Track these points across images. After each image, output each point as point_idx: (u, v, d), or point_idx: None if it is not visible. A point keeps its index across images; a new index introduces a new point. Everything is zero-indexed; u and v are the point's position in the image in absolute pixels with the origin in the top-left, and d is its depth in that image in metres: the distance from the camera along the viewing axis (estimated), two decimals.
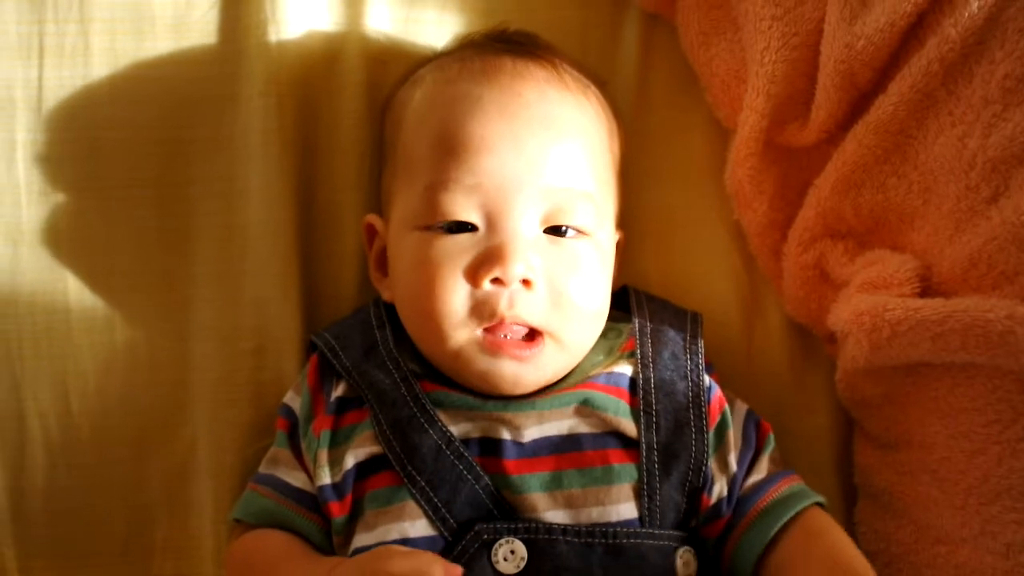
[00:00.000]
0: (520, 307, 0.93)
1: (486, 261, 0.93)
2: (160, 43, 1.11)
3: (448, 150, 0.96)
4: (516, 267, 0.92)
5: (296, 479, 0.99)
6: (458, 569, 0.82)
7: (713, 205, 1.12)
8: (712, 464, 0.96)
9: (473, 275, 0.94)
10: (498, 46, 1.03)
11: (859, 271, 1.02)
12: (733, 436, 0.99)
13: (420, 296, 0.95)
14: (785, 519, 0.95)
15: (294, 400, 1.03)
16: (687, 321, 1.04)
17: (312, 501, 0.96)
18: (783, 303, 1.10)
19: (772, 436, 1.02)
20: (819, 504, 0.98)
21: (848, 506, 1.08)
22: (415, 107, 1.02)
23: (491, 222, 0.95)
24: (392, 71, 1.10)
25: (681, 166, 1.14)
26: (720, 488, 0.96)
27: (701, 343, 1.02)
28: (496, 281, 0.93)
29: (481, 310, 0.93)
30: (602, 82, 1.08)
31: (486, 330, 0.94)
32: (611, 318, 1.04)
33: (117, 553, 1.11)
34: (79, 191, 1.11)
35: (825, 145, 1.06)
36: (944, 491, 0.97)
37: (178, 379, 1.12)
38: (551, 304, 0.94)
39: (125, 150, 1.11)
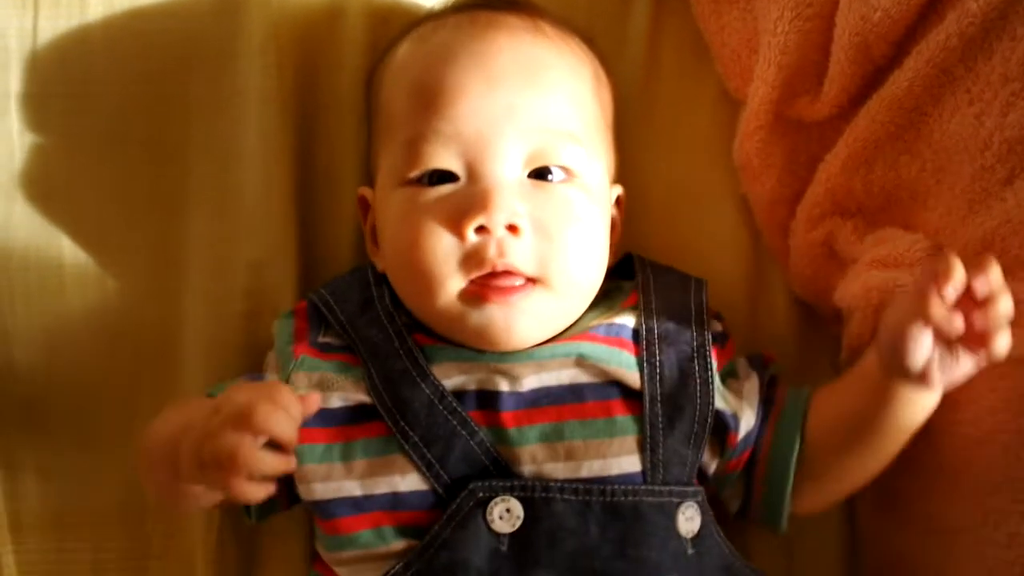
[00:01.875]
0: (510, 254, 0.90)
1: (469, 209, 0.90)
2: None
3: (424, 102, 0.94)
4: (500, 212, 0.90)
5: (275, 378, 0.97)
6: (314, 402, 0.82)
7: (721, 179, 1.10)
8: (729, 401, 0.95)
9: (457, 225, 0.91)
10: (478, 3, 1.01)
11: (868, 249, 1.00)
12: (742, 370, 0.98)
13: (406, 251, 0.93)
14: (804, 400, 0.96)
15: (277, 326, 1.01)
16: (692, 282, 1.02)
17: None
18: (789, 281, 1.08)
19: (775, 363, 1.01)
20: None
21: (851, 498, 1.05)
22: (393, 68, 1.01)
23: (472, 170, 0.93)
24: (394, 30, 1.07)
25: (690, 138, 1.12)
26: (747, 421, 0.95)
27: (706, 295, 1.00)
28: (482, 230, 0.91)
29: (469, 260, 0.91)
30: (589, 38, 1.04)
31: (474, 280, 0.91)
32: (614, 279, 1.02)
33: (111, 512, 1.10)
34: (73, 145, 1.10)
35: (837, 120, 1.03)
36: (947, 481, 0.95)
37: (170, 341, 1.10)
38: (541, 250, 0.92)
39: (118, 105, 1.09)
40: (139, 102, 1.10)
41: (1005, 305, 0.81)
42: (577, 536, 0.86)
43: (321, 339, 0.97)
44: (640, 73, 1.12)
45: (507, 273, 0.91)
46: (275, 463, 0.79)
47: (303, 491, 0.91)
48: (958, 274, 0.80)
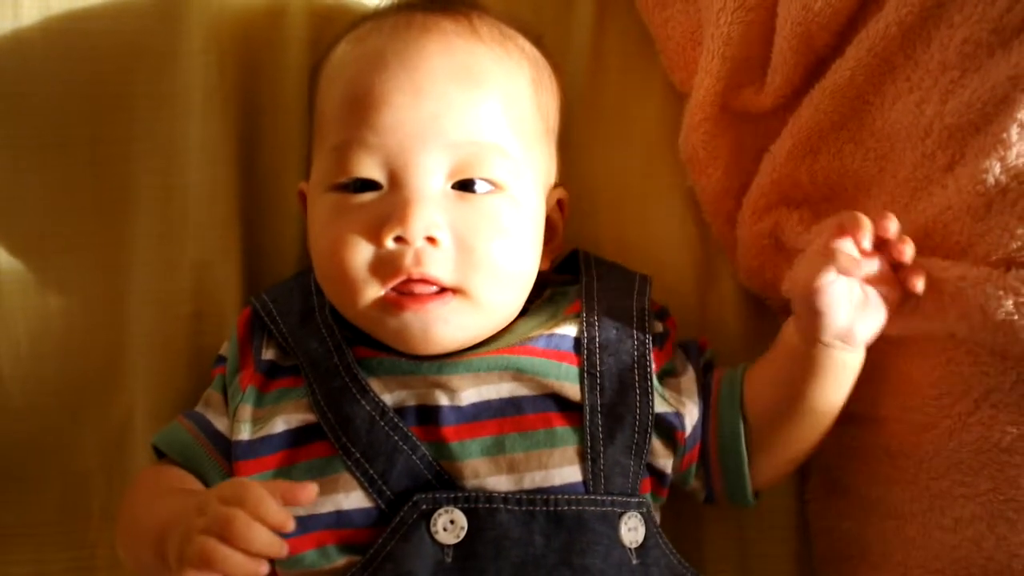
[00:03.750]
0: (427, 264, 0.90)
1: (388, 219, 0.90)
2: None
3: (351, 108, 0.93)
4: (417, 224, 0.89)
5: (221, 424, 0.96)
6: (311, 492, 0.79)
7: (667, 172, 1.10)
8: (669, 400, 0.95)
9: (375, 234, 0.91)
10: (417, 4, 1.00)
11: (813, 240, 0.99)
12: (680, 365, 0.98)
13: (327, 256, 0.93)
14: (739, 382, 0.98)
15: (227, 349, 1.00)
16: (636, 281, 1.01)
17: (228, 448, 0.94)
18: (736, 272, 1.08)
19: (711, 349, 1.02)
20: None
21: (800, 481, 1.07)
22: (328, 70, 1.00)
23: (394, 179, 0.92)
24: (337, 28, 1.06)
25: (636, 132, 1.12)
26: (691, 415, 0.95)
27: (648, 300, 1.00)
28: (400, 240, 0.90)
29: (385, 268, 0.91)
30: (536, 36, 1.04)
31: (393, 288, 0.91)
32: (559, 282, 1.02)
33: (53, 521, 1.08)
34: (11, 147, 1.08)
35: (781, 111, 1.03)
36: (894, 466, 0.96)
37: (115, 344, 1.08)
38: (462, 261, 0.91)
39: (58, 106, 1.08)
40: (79, 103, 1.08)
41: (911, 248, 0.87)
42: (522, 546, 0.86)
43: (264, 355, 0.96)
44: (585, 67, 1.12)
45: (423, 281, 0.91)
46: (249, 569, 0.76)
47: None
48: (865, 223, 0.86)
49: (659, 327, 0.99)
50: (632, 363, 0.95)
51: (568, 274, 1.05)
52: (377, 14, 1.03)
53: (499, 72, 0.96)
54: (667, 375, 0.98)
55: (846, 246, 0.86)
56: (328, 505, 0.88)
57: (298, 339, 0.96)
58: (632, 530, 0.90)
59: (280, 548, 0.77)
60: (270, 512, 0.77)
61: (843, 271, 0.86)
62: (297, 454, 0.91)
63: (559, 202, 1.04)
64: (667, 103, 1.11)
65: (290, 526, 0.77)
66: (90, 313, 1.08)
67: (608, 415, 0.92)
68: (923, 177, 0.93)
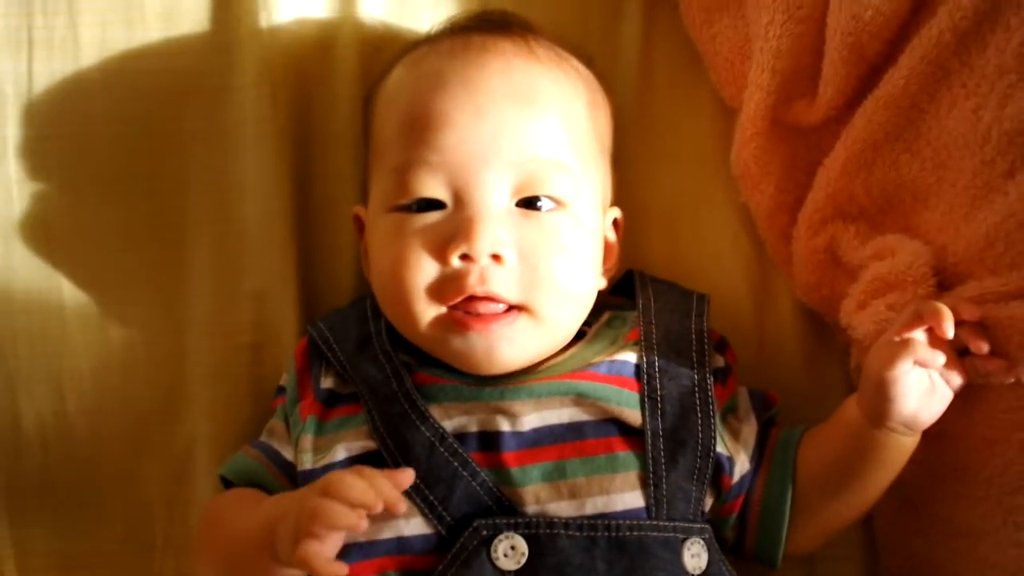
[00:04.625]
0: (492, 282, 0.90)
1: (453, 237, 0.90)
2: (151, 34, 1.09)
3: (413, 129, 0.94)
4: (483, 241, 0.89)
5: (287, 452, 0.97)
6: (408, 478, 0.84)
7: (720, 188, 1.09)
8: (727, 443, 0.94)
9: (441, 252, 0.91)
10: (472, 26, 1.01)
11: (870, 260, 0.98)
12: (742, 411, 0.97)
13: (389, 275, 0.93)
14: (794, 446, 0.96)
15: (287, 380, 1.01)
16: (693, 302, 1.01)
17: (294, 475, 0.94)
18: (794, 288, 1.06)
19: (778, 406, 1.01)
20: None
21: None
22: (386, 92, 1.01)
23: (459, 198, 0.92)
24: (386, 57, 1.07)
25: (686, 148, 1.11)
26: (741, 464, 0.94)
27: (707, 321, 0.99)
28: (465, 258, 0.90)
29: (449, 287, 0.91)
30: (588, 57, 1.04)
31: (455, 307, 0.91)
32: (616, 306, 1.02)
33: (116, 552, 1.09)
34: (71, 186, 1.10)
35: (834, 123, 1.02)
36: (964, 482, 0.94)
37: (175, 375, 1.10)
38: (526, 279, 0.91)
39: (116, 144, 1.10)
40: (136, 140, 1.10)
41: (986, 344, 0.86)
42: (584, 572, 0.85)
43: (324, 384, 0.97)
44: (634, 86, 1.11)
45: (488, 299, 0.91)
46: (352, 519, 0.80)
47: None
48: (946, 314, 0.84)
49: (720, 361, 0.98)
50: (693, 387, 0.94)
51: (623, 296, 1.04)
52: (431, 38, 1.03)
53: (556, 92, 0.97)
54: (729, 413, 0.97)
55: (924, 337, 0.86)
56: (388, 532, 0.88)
57: (356, 366, 0.96)
58: (695, 556, 0.88)
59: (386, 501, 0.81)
60: (383, 488, 0.81)
61: (921, 363, 0.86)
62: None
63: (615, 222, 1.04)
64: (718, 119, 1.10)
65: (401, 507, 0.82)
66: (150, 346, 1.10)
67: (670, 439, 0.91)
68: (983, 184, 0.91)
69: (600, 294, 1.00)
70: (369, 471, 0.83)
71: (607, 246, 1.02)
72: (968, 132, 0.92)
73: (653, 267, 1.07)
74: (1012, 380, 0.87)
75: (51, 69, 1.09)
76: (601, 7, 1.13)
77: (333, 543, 0.81)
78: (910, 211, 0.98)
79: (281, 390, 1.01)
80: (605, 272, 1.02)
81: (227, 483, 0.99)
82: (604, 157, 1.02)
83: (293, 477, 0.95)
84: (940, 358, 0.85)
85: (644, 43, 1.12)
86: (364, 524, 0.80)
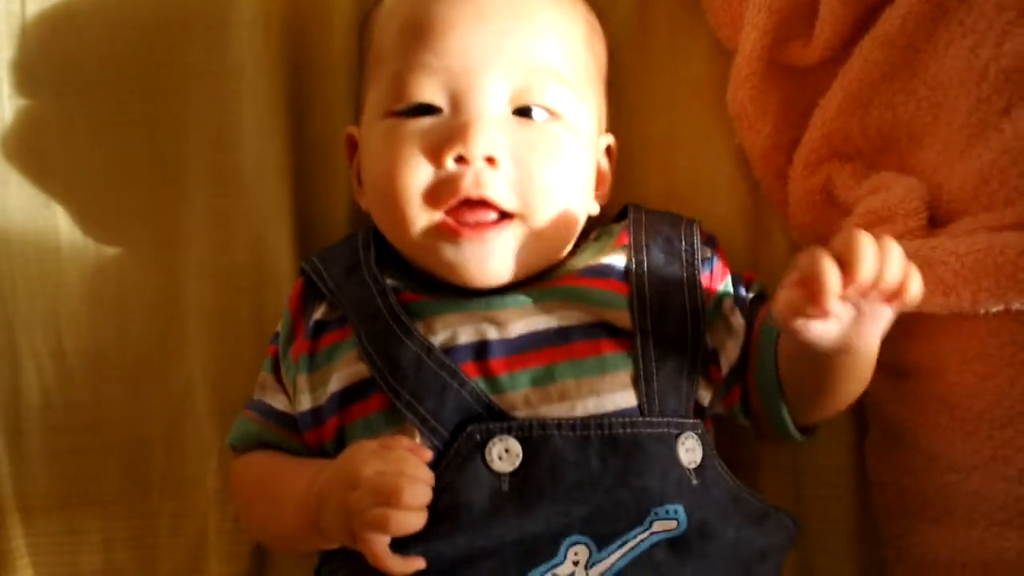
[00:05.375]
0: (487, 186, 0.91)
1: (449, 138, 0.91)
2: None
3: (413, 36, 0.94)
4: (479, 143, 0.90)
5: (278, 402, 0.98)
6: (427, 454, 0.85)
7: (716, 130, 1.08)
8: (715, 335, 0.94)
9: (435, 153, 0.91)
10: None
11: (864, 196, 0.98)
12: (728, 303, 0.96)
13: (383, 178, 0.94)
14: (774, 340, 0.92)
15: (282, 325, 1.01)
16: (683, 219, 1.01)
17: (294, 423, 0.95)
18: (789, 228, 1.07)
19: (757, 281, 1.00)
20: None
21: (859, 438, 1.05)
22: (385, 7, 1.01)
23: (456, 102, 0.93)
24: None
25: (684, 90, 1.11)
26: (728, 356, 0.94)
27: (697, 230, 0.99)
28: (460, 161, 0.91)
29: (443, 189, 0.91)
30: None
31: (449, 212, 0.92)
32: (605, 224, 1.02)
33: (115, 492, 1.10)
34: (67, 126, 1.10)
35: (830, 64, 1.02)
36: (955, 418, 0.94)
37: (172, 315, 1.10)
38: (520, 185, 0.92)
39: (113, 81, 1.09)
40: (133, 77, 1.10)
41: (893, 270, 0.78)
42: (578, 468, 0.86)
43: (315, 317, 0.97)
44: (632, 26, 1.11)
45: (482, 204, 0.91)
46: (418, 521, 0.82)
47: None
48: (827, 285, 0.76)
49: (707, 252, 0.99)
50: (682, 285, 0.95)
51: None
52: None
53: (556, 8, 0.98)
54: (720, 304, 0.96)
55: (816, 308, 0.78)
56: None
57: (343, 290, 0.96)
58: (689, 451, 0.89)
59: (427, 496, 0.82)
60: (422, 475, 0.83)
61: (812, 317, 0.79)
62: (355, 410, 0.92)
63: (608, 149, 1.04)
64: (715, 61, 1.09)
65: (429, 495, 0.83)
66: (147, 285, 1.10)
67: (659, 337, 0.91)
68: (978, 122, 0.91)
69: (592, 219, 1.01)
70: (395, 453, 0.84)
71: (599, 172, 1.02)
72: (964, 70, 0.92)
73: (649, 205, 1.07)
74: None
75: (43, 9, 1.09)
76: None
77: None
78: (906, 151, 0.99)
79: (276, 336, 1.02)
80: (598, 198, 1.02)
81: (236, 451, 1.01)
82: (600, 81, 1.03)
83: (292, 425, 0.96)
84: (836, 310, 0.78)
85: None
86: (423, 522, 0.82)
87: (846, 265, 0.77)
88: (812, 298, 0.77)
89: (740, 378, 0.95)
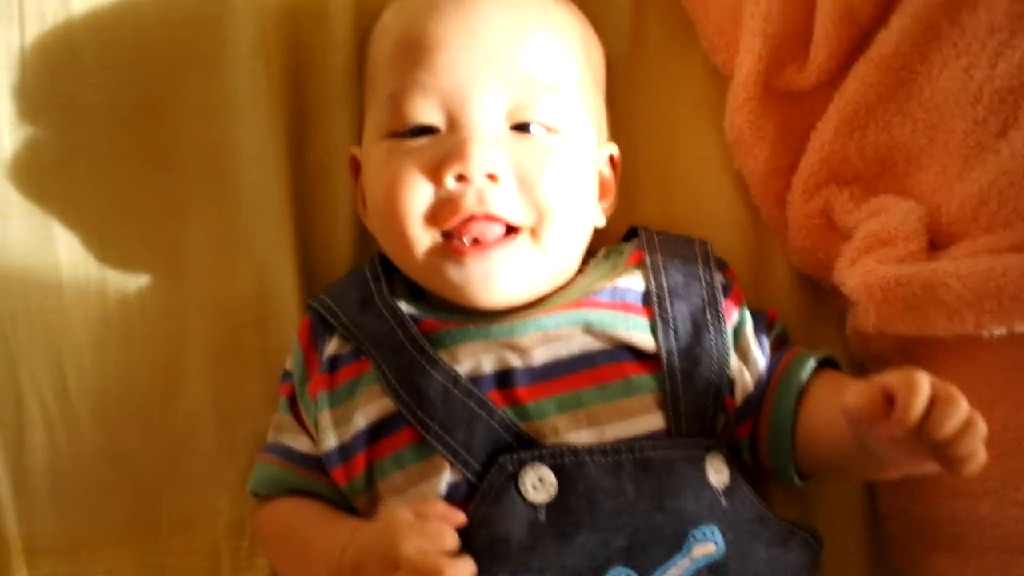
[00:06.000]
0: (491, 203, 0.90)
1: (447, 157, 0.91)
2: (143, 5, 1.09)
3: (406, 53, 0.95)
4: (478, 161, 0.90)
5: (301, 444, 0.97)
6: (460, 517, 0.83)
7: (714, 155, 1.08)
8: (732, 364, 0.94)
9: (435, 173, 0.91)
10: None
11: (864, 220, 0.98)
12: (750, 331, 0.96)
13: (383, 201, 0.94)
14: (803, 378, 0.92)
15: (292, 364, 1.01)
16: (695, 240, 1.02)
17: (319, 464, 0.95)
18: (789, 253, 1.07)
19: (780, 321, 1.00)
20: (831, 361, 0.96)
21: None
22: (381, 25, 1.01)
23: (452, 121, 0.93)
24: None
25: (680, 115, 1.11)
26: (744, 386, 0.94)
27: (711, 249, 0.99)
28: (461, 179, 0.91)
29: (445, 208, 0.91)
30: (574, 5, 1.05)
31: (451, 233, 0.91)
32: (611, 243, 1.03)
33: (124, 529, 1.09)
34: (66, 159, 1.09)
35: (826, 87, 1.02)
36: None
37: (176, 350, 1.10)
38: (524, 199, 0.92)
39: (110, 115, 1.09)
40: (130, 111, 1.10)
41: (971, 443, 0.76)
42: (614, 495, 0.85)
43: (328, 351, 0.96)
44: (626, 52, 1.11)
45: (487, 218, 0.91)
46: None
47: None
48: (915, 413, 0.75)
49: (721, 278, 0.98)
50: (703, 304, 0.94)
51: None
52: None
53: (549, 20, 0.98)
54: (738, 333, 0.96)
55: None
56: (428, 490, 0.88)
57: (360, 325, 0.96)
58: (718, 472, 0.89)
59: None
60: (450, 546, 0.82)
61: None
62: (384, 446, 0.91)
63: (610, 159, 1.04)
64: (710, 85, 1.09)
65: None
66: (149, 321, 1.10)
67: (685, 358, 0.91)
68: (975, 144, 0.91)
69: (600, 240, 1.00)
70: (433, 526, 0.83)
71: (603, 181, 1.02)
72: (960, 92, 0.92)
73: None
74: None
75: (43, 42, 1.09)
76: None
77: None
78: (904, 173, 0.98)
79: (287, 375, 1.01)
80: (604, 210, 1.02)
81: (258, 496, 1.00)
82: (598, 91, 1.03)
83: (317, 465, 0.95)
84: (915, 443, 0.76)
85: (636, 10, 1.11)
86: None
87: (931, 414, 0.75)
88: (890, 419, 0.75)
89: (752, 415, 0.95)
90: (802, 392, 0.93)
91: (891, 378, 0.77)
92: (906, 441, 0.76)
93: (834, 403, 0.85)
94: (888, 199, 0.98)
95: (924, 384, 0.75)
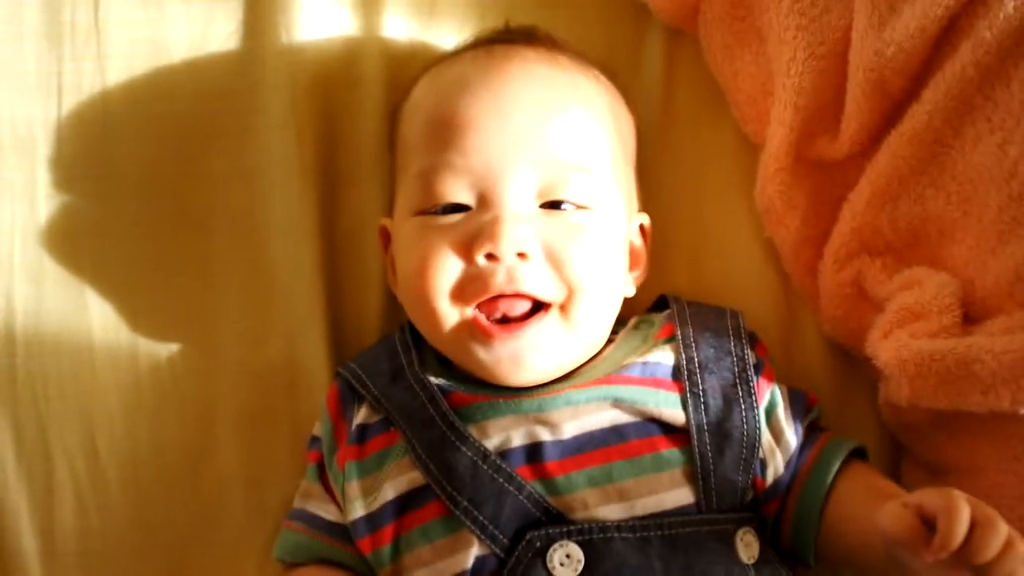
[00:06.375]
0: (520, 280, 0.91)
1: (478, 236, 0.91)
2: (177, 76, 1.11)
3: (437, 133, 0.95)
4: (509, 240, 0.90)
5: (328, 512, 0.97)
6: None
7: (745, 223, 1.09)
8: (764, 444, 0.93)
9: (466, 250, 0.92)
10: (496, 38, 1.03)
11: (896, 292, 0.97)
12: (784, 413, 0.96)
13: (414, 276, 0.94)
14: (834, 470, 0.92)
15: (320, 430, 1.01)
16: (727, 310, 1.01)
17: (345, 533, 0.95)
18: (820, 323, 1.06)
19: (819, 406, 1.00)
20: (859, 451, 0.96)
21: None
22: (411, 101, 1.02)
23: (483, 199, 0.93)
24: None
25: (710, 184, 1.11)
26: (775, 468, 0.93)
27: (743, 319, 0.99)
28: (491, 258, 0.91)
29: (473, 285, 0.91)
30: (611, 72, 1.05)
31: (479, 307, 0.92)
32: (644, 313, 1.02)
33: None
34: (100, 228, 1.11)
35: (858, 158, 1.02)
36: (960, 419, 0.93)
37: (206, 417, 1.10)
38: (554, 275, 0.92)
39: (144, 185, 1.11)
40: (163, 180, 1.11)
41: (1014, 560, 0.75)
42: (642, 572, 0.85)
43: (357, 420, 0.97)
44: (657, 121, 1.12)
45: (517, 296, 0.91)
46: None
47: None
48: (956, 541, 0.75)
49: (752, 357, 0.98)
50: (734, 378, 0.94)
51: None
52: (455, 52, 1.05)
53: (578, 97, 0.98)
54: (771, 413, 0.96)
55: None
56: (455, 566, 0.88)
57: (390, 397, 0.96)
58: (748, 546, 0.89)
59: None
60: None
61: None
62: (412, 519, 0.91)
63: (641, 228, 1.04)
64: (740, 154, 1.10)
65: None
66: (180, 386, 1.10)
67: (715, 433, 0.91)
68: (1010, 219, 0.91)
69: (629, 303, 1.00)
70: None
71: (634, 252, 1.02)
72: (994, 167, 0.92)
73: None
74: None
75: (80, 113, 1.10)
76: (624, 42, 1.14)
77: None
78: (936, 245, 0.98)
79: (315, 441, 1.01)
80: (634, 280, 1.02)
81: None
82: (628, 163, 1.03)
83: (343, 534, 0.95)
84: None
85: (666, 80, 1.12)
86: None
87: (971, 539, 0.75)
88: (931, 546, 0.75)
89: (781, 495, 0.94)
90: (833, 484, 0.93)
91: (928, 500, 0.77)
92: (943, 562, 0.76)
93: (864, 507, 0.87)
94: (921, 271, 0.98)
95: (964, 510, 0.75)
